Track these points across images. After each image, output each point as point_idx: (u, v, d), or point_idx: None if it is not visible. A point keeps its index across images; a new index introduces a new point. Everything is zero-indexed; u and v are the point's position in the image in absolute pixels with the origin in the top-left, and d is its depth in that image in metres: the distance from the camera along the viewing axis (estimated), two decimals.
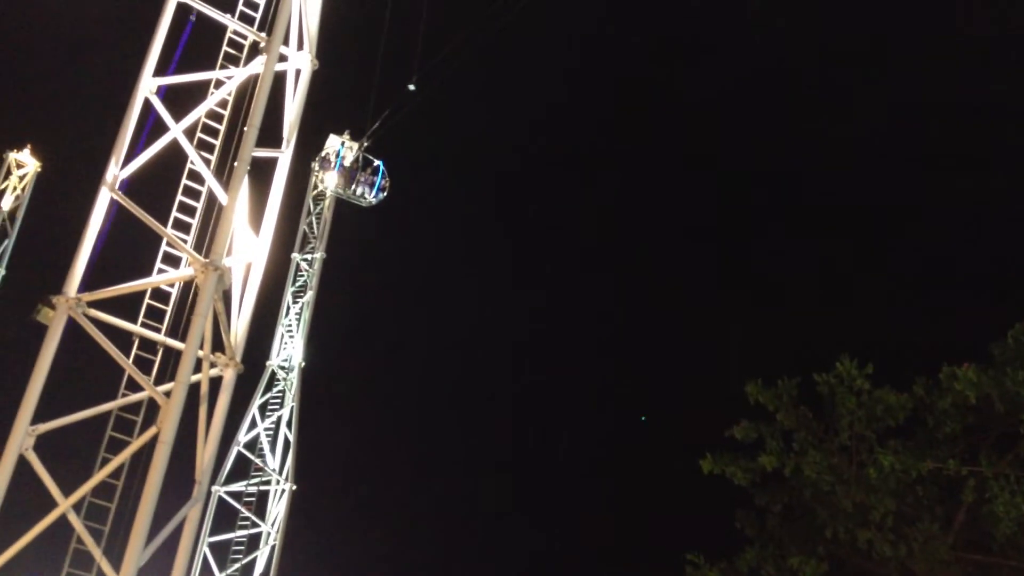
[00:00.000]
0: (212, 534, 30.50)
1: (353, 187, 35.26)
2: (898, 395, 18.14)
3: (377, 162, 35.66)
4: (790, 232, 54.46)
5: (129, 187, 16.25)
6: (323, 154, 35.31)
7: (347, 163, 35.07)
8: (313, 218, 35.39)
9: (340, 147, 35.12)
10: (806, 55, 53.62)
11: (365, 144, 35.41)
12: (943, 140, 48.11)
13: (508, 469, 50.62)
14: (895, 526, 17.49)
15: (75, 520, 14.27)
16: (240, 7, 18.21)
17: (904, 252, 49.19)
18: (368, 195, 35.54)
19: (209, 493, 29.47)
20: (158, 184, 17.48)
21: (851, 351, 18.53)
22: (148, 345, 16.71)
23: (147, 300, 16.81)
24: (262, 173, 17.43)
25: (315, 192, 35.68)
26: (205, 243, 16.41)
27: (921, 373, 18.36)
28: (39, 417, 14.56)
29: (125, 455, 14.62)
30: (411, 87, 33.16)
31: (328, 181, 35.16)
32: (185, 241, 16.81)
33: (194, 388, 14.65)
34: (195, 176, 17.40)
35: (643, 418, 49.94)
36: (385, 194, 35.78)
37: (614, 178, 61.52)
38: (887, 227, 50.70)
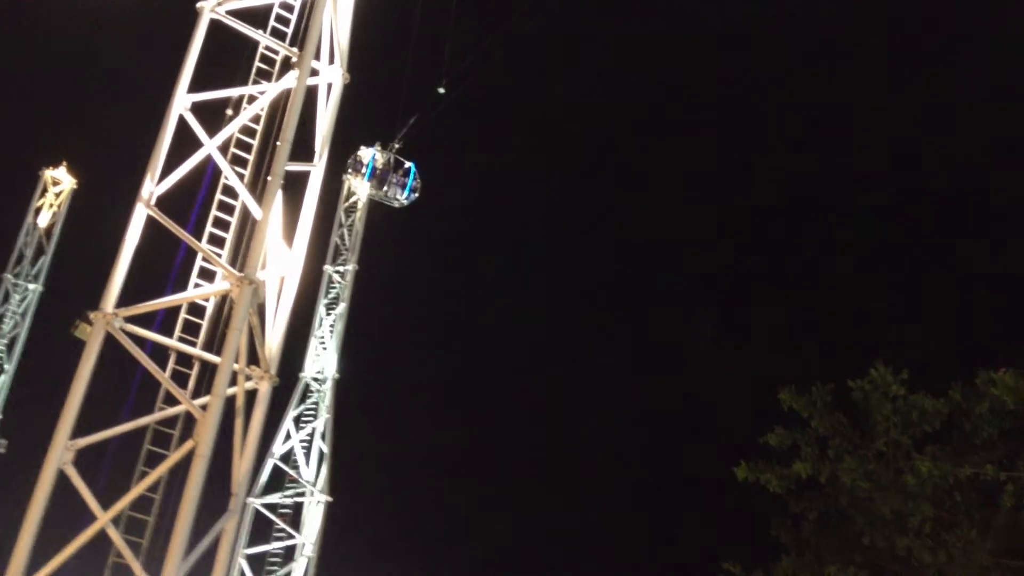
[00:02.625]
0: (248, 546, 30.65)
1: (385, 188, 35.58)
2: (934, 400, 18.01)
3: (408, 164, 35.99)
4: (823, 235, 54.16)
5: (164, 202, 16.39)
6: (356, 155, 35.60)
7: (379, 165, 35.39)
8: (345, 230, 35.56)
9: (372, 157, 35.40)
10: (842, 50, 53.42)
11: (396, 146, 35.71)
12: (979, 138, 47.68)
13: (545, 480, 50.57)
14: (933, 532, 17.35)
15: (114, 534, 14.37)
16: (272, 23, 18.39)
17: (939, 255, 48.80)
18: (400, 196, 35.92)
19: (245, 505, 29.64)
20: (193, 199, 17.66)
21: (886, 356, 18.43)
22: (184, 359, 16.87)
23: (183, 314, 16.98)
24: (295, 186, 17.57)
25: (347, 204, 35.87)
26: (239, 257, 16.55)
27: (957, 378, 18.24)
28: (78, 432, 14.68)
29: (163, 469, 14.73)
30: (440, 90, 33.51)
31: (360, 187, 35.46)
32: (220, 255, 16.95)
33: (230, 401, 14.74)
34: (229, 191, 17.57)
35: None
36: (417, 195, 36.10)
37: (645, 180, 61.38)
38: (921, 229, 50.33)
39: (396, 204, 36.16)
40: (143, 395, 16.79)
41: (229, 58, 18.40)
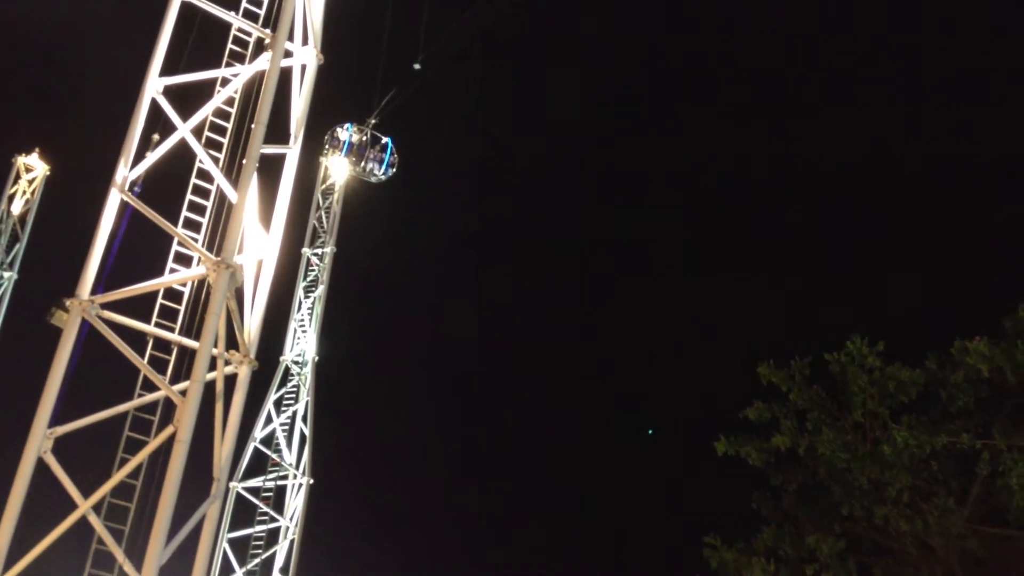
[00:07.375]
0: (231, 530, 30.64)
1: (363, 164, 35.59)
2: (910, 371, 18.18)
3: (385, 139, 35.97)
4: (798, 211, 54.32)
5: (140, 188, 16.31)
6: (333, 131, 35.59)
7: (355, 141, 35.40)
8: (323, 212, 35.50)
9: (348, 133, 35.39)
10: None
11: (373, 122, 35.67)
12: (965, 106, 47.76)
13: (528, 458, 50.70)
14: (911, 501, 17.55)
15: (95, 521, 14.34)
16: (244, 4, 18.26)
17: (912, 227, 49.00)
18: (377, 171, 35.92)
19: (227, 490, 29.64)
20: (168, 184, 17.57)
21: (862, 329, 18.58)
22: (163, 345, 16.82)
23: (160, 300, 16.91)
24: (270, 169, 17.50)
25: (324, 186, 35.82)
26: (216, 241, 16.49)
27: (933, 348, 18.40)
28: (57, 420, 14.63)
29: (143, 455, 14.70)
30: (416, 66, 33.49)
31: (337, 165, 35.50)
32: (196, 240, 16.89)
33: (209, 386, 14.67)
34: (204, 175, 17.48)
35: (650, 431, 50.02)
36: (394, 170, 36.11)
37: (622, 163, 61.38)
38: (895, 202, 50.52)
39: (374, 179, 36.18)
40: (105, 382, 16.74)
41: (202, 40, 18.29)
